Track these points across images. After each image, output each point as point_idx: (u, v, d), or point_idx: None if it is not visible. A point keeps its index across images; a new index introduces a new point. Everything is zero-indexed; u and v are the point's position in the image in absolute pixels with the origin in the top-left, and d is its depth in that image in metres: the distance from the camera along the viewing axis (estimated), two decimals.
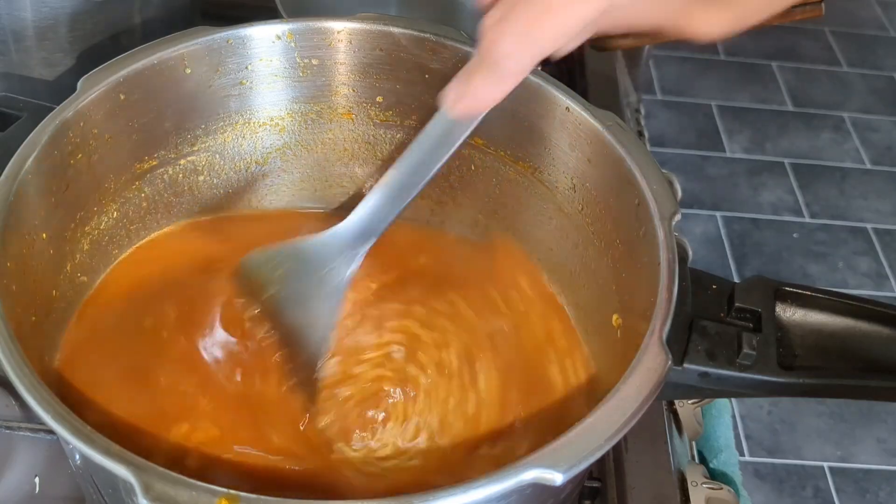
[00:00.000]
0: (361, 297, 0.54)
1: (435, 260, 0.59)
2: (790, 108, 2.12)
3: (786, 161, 1.99)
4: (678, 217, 0.47)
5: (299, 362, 0.49)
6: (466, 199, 0.61)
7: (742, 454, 1.46)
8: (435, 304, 0.54)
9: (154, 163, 0.56)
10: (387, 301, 0.54)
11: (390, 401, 0.50)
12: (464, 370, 0.52)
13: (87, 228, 0.52)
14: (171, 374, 0.50)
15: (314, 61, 0.58)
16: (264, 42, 0.56)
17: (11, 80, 0.71)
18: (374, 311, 0.54)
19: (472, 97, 0.43)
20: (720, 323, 0.47)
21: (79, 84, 0.50)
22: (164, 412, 0.48)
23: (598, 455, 0.37)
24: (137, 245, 0.57)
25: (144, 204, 0.56)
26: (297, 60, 0.58)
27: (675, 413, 0.61)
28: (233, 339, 0.52)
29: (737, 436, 1.47)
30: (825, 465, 1.48)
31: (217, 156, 0.59)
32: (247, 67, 0.56)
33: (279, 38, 0.56)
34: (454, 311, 0.54)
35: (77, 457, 0.42)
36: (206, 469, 0.46)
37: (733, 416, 1.49)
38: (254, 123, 0.59)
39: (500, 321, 0.55)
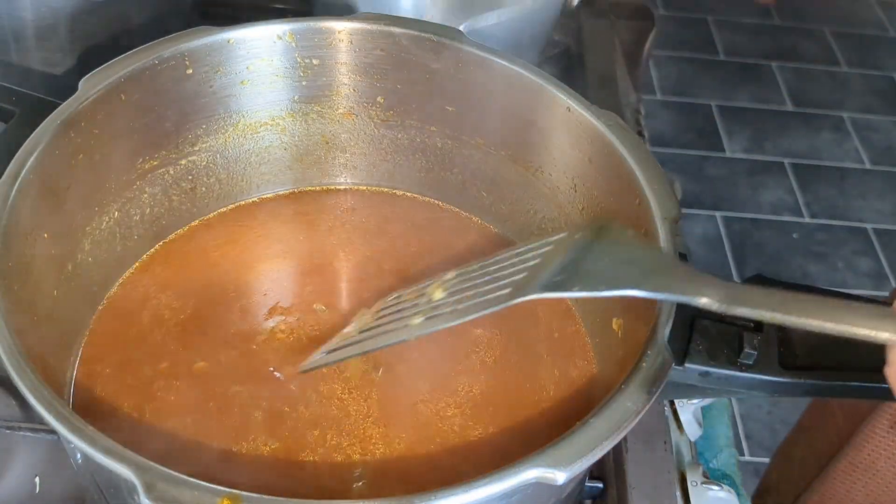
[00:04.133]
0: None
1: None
2: (790, 108, 2.12)
3: (785, 161, 1.99)
4: (679, 217, 0.47)
5: None
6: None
7: (742, 454, 1.46)
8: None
9: (155, 163, 0.56)
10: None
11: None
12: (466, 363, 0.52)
13: (87, 228, 0.52)
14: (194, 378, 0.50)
15: (315, 61, 0.58)
16: (265, 42, 0.56)
17: (11, 80, 0.71)
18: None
19: None
20: (721, 322, 0.46)
21: (80, 84, 0.50)
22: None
23: (599, 454, 0.37)
24: (147, 252, 0.58)
25: (146, 204, 0.56)
26: (298, 60, 0.58)
27: (675, 413, 0.61)
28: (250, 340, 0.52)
29: (737, 436, 1.47)
30: None
31: (218, 155, 0.59)
32: (248, 67, 0.57)
33: (280, 38, 0.56)
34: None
35: (78, 456, 0.42)
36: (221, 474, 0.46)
37: (733, 416, 1.49)
38: (255, 123, 0.59)
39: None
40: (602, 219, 0.45)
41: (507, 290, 0.41)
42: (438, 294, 0.44)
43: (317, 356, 0.47)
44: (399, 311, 0.45)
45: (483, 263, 0.44)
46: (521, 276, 0.41)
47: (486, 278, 0.43)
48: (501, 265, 0.43)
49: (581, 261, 0.41)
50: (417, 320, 0.43)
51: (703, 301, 0.37)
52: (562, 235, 0.43)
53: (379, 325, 0.45)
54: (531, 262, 0.42)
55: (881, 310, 0.34)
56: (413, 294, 0.45)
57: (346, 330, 0.48)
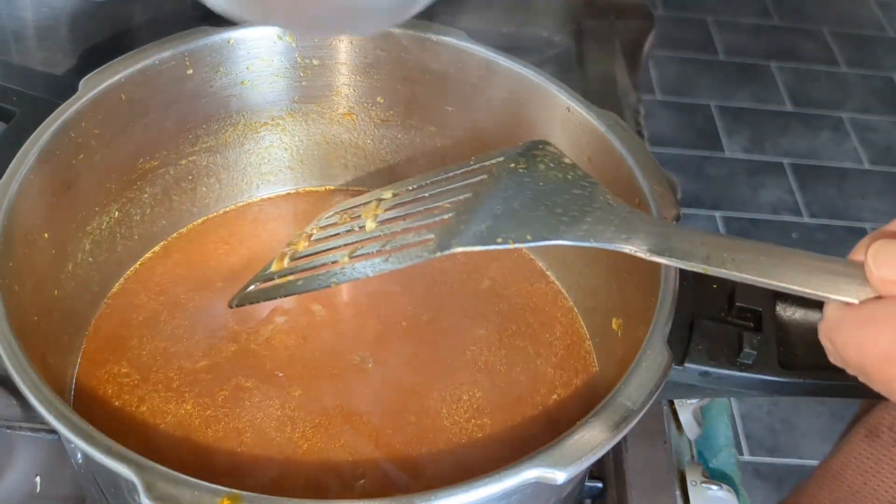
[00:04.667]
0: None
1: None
2: (789, 108, 2.12)
3: (785, 161, 1.98)
4: (678, 217, 0.47)
5: None
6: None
7: (742, 454, 1.46)
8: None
9: (155, 163, 0.56)
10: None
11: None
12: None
13: (88, 228, 0.52)
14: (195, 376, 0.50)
15: (315, 61, 0.58)
16: (265, 42, 0.56)
17: (11, 80, 0.71)
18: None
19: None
20: (721, 322, 0.47)
21: (80, 84, 0.50)
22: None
23: (598, 454, 0.37)
24: (149, 250, 0.58)
25: (146, 204, 0.56)
26: (298, 60, 0.58)
27: (675, 413, 0.61)
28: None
29: (737, 435, 1.47)
30: None
31: (218, 156, 0.59)
32: (248, 68, 0.57)
33: (280, 38, 0.56)
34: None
35: (79, 456, 0.42)
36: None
37: (733, 416, 1.49)
38: (255, 123, 0.59)
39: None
40: (538, 141, 0.43)
41: (430, 240, 0.40)
42: (370, 223, 0.43)
43: (247, 290, 0.47)
44: (333, 237, 0.45)
45: (421, 183, 0.43)
46: (448, 216, 0.40)
47: (419, 208, 0.42)
48: (436, 191, 0.42)
49: (510, 201, 0.40)
50: (343, 259, 0.42)
51: (630, 249, 0.37)
52: (499, 159, 0.42)
53: (311, 255, 0.44)
54: (462, 196, 0.41)
55: (822, 264, 0.33)
56: (348, 216, 0.45)
57: (284, 250, 0.48)
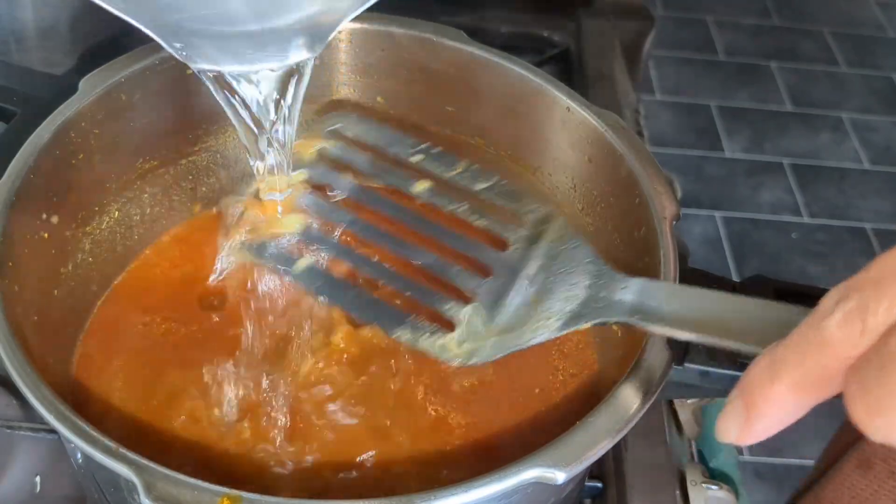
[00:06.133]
0: None
1: None
2: (789, 108, 2.12)
3: (785, 161, 1.99)
4: (678, 217, 0.47)
5: None
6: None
7: (742, 454, 1.46)
8: None
9: (155, 163, 0.56)
10: None
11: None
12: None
13: (88, 228, 0.52)
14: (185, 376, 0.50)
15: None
16: None
17: (11, 80, 0.71)
18: None
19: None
20: None
21: (80, 84, 0.50)
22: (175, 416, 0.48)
23: (599, 454, 0.37)
24: (147, 248, 0.58)
25: (146, 204, 0.56)
26: None
27: (674, 412, 0.62)
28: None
29: None
30: None
31: (218, 155, 0.59)
32: None
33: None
34: None
35: (79, 456, 0.42)
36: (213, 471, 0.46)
37: None
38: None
39: None
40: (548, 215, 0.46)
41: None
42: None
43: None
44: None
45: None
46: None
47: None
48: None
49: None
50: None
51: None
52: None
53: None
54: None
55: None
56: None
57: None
